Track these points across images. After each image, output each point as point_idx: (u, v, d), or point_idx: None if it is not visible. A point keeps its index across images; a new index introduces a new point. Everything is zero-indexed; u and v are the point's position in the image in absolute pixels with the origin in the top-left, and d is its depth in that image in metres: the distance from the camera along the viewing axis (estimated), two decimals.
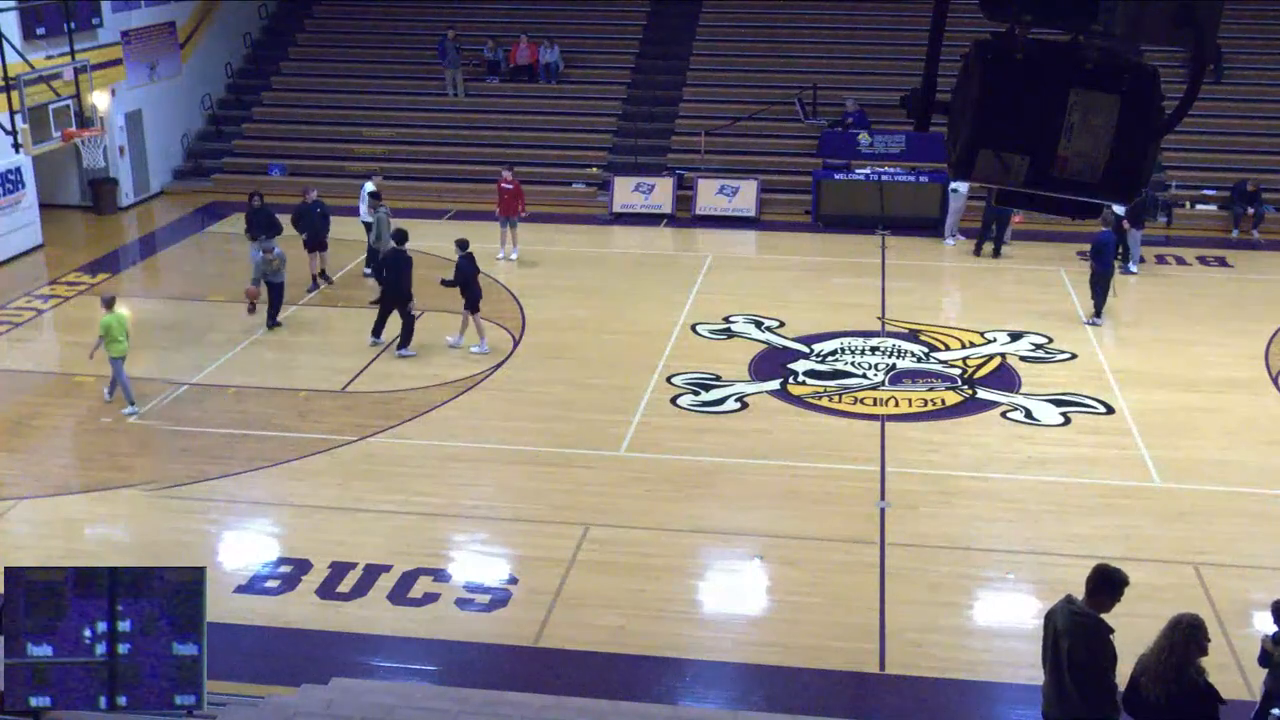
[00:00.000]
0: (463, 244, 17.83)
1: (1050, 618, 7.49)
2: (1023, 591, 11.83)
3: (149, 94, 26.82)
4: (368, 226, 21.15)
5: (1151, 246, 22.66)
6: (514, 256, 22.50)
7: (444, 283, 17.83)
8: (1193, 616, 7.13)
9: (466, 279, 17.59)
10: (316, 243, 20.45)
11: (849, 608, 11.36)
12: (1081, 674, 7.18)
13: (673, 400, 16.03)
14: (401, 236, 17.96)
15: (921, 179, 24.52)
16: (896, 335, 18.40)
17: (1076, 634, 7.18)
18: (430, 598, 11.53)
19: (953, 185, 23.03)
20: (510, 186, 22.17)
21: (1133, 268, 21.44)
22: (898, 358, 17.50)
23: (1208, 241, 23.72)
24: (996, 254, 22.46)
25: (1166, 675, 7.00)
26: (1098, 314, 18.99)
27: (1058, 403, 15.88)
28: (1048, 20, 4.17)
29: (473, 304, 17.65)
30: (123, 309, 16.19)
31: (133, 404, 15.71)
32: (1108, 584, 7.23)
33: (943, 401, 16.06)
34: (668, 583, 11.85)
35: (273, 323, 18.65)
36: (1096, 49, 4.12)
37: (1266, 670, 8.84)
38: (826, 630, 11.00)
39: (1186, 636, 7.03)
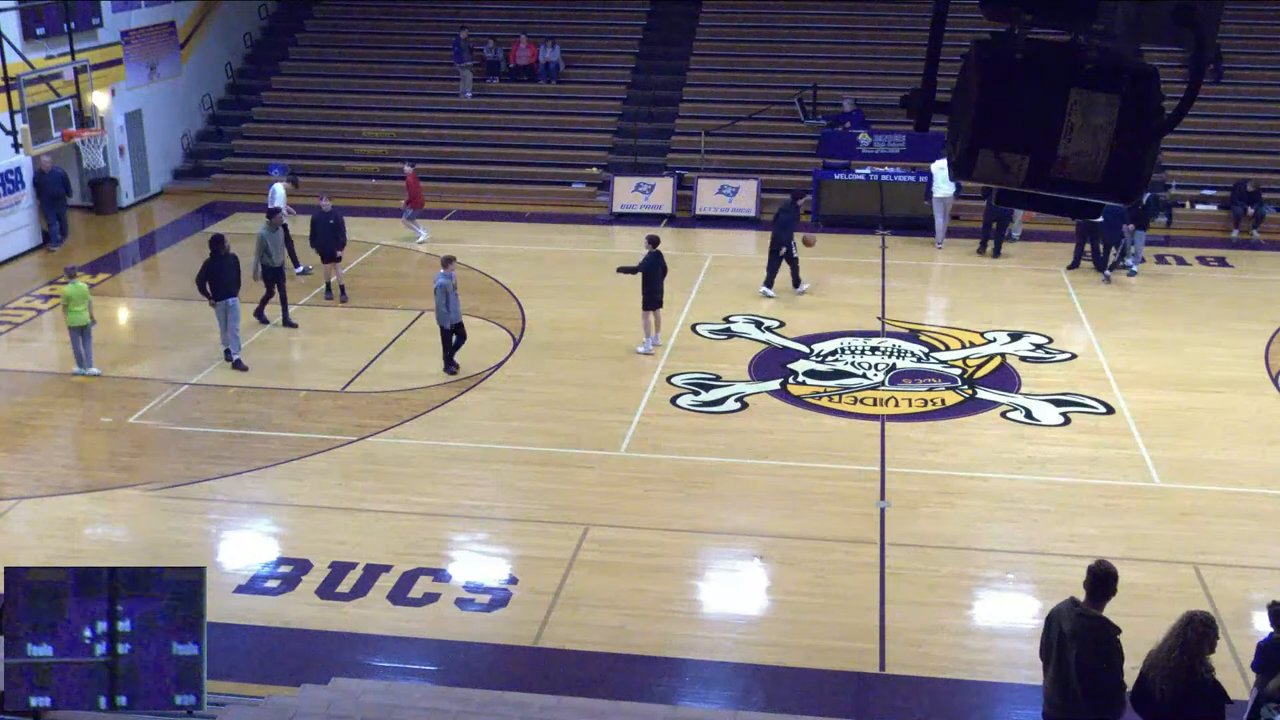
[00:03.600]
0: (653, 240, 17.70)
1: (1054, 619, 7.48)
2: (1023, 591, 11.83)
3: (149, 94, 26.83)
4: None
5: (1151, 246, 22.63)
6: (421, 238, 23.37)
7: (622, 270, 17.99)
8: (1204, 614, 7.14)
9: (649, 276, 17.44)
10: (330, 255, 19.87)
11: (849, 608, 11.36)
12: (1091, 676, 7.19)
13: (673, 400, 16.03)
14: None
15: (921, 179, 24.51)
16: (896, 335, 18.40)
17: (1086, 637, 7.18)
18: (430, 598, 11.53)
19: (935, 194, 23.15)
20: (407, 180, 23.20)
21: (1133, 266, 21.42)
22: (898, 358, 17.50)
23: (1208, 241, 23.72)
24: (997, 254, 22.46)
25: (1176, 672, 7.01)
26: (1108, 268, 20.89)
27: (1058, 403, 15.88)
28: (1048, 20, 4.17)
29: (650, 302, 17.49)
30: (81, 281, 16.89)
31: (79, 368, 16.72)
32: (1105, 582, 7.26)
33: (943, 401, 16.06)
34: (668, 583, 11.85)
35: (450, 367, 16.96)
36: (1096, 49, 4.12)
37: (1257, 673, 8.84)
38: (826, 630, 11.00)
39: (1198, 634, 7.04)
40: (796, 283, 20.26)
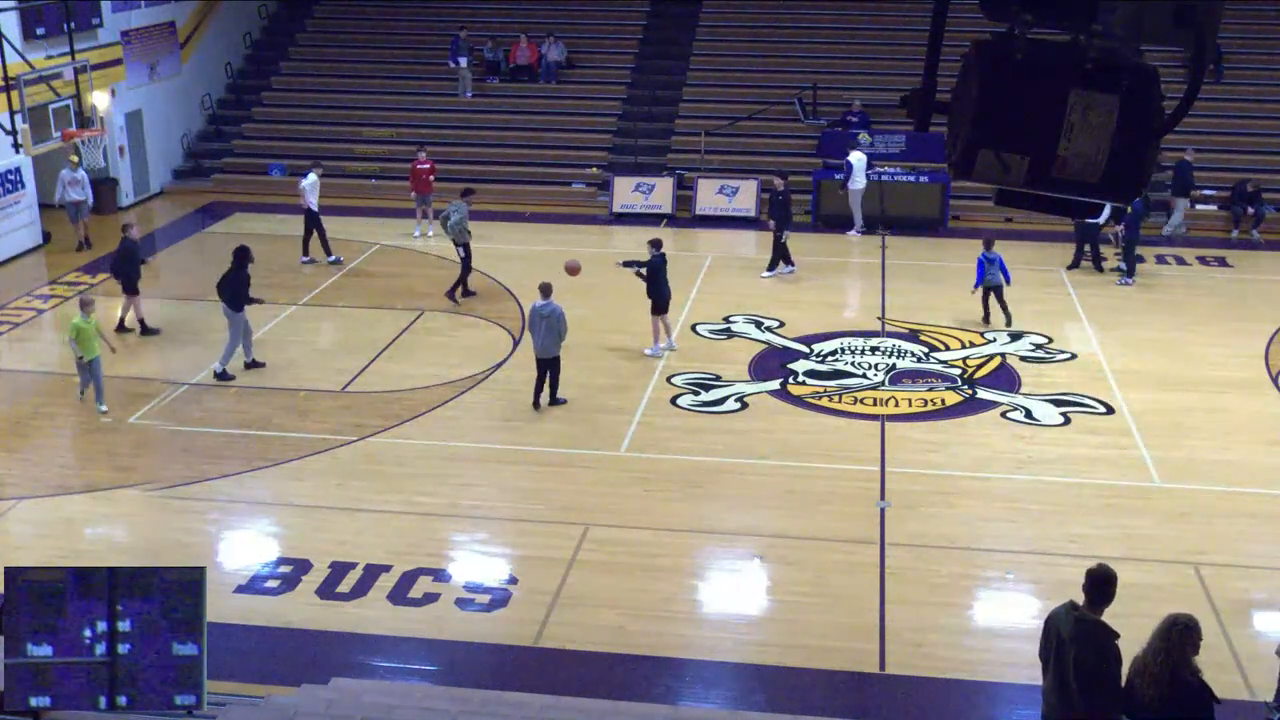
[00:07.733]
0: (656, 244, 17.65)
1: (1053, 622, 7.47)
2: (1023, 591, 11.82)
3: (149, 94, 26.83)
4: (314, 216, 21.69)
5: (1151, 246, 22.64)
6: (430, 234, 23.41)
7: (627, 264, 18.16)
8: (1187, 616, 7.14)
9: (659, 278, 17.37)
10: (132, 286, 18.26)
11: (849, 608, 11.36)
12: (1089, 680, 7.18)
13: (673, 400, 16.03)
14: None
15: (921, 179, 24.54)
16: (896, 335, 18.40)
17: (1084, 641, 7.17)
18: (430, 598, 11.53)
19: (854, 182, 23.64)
20: (425, 166, 23.64)
21: (1127, 278, 21.01)
22: (898, 358, 17.50)
23: (1208, 241, 23.72)
24: (1098, 268, 21.48)
25: (1161, 675, 7.01)
26: (1129, 274, 20.78)
27: (1058, 403, 15.87)
28: (1048, 20, 4.17)
29: (658, 306, 17.46)
30: (87, 317, 15.43)
31: (82, 392, 15.94)
32: (1103, 587, 7.26)
33: (943, 401, 16.06)
34: (668, 583, 11.85)
35: (555, 398, 15.76)
36: (1096, 49, 4.12)
37: None
38: (826, 630, 11.00)
39: (1181, 636, 7.04)
40: (771, 265, 21.43)
